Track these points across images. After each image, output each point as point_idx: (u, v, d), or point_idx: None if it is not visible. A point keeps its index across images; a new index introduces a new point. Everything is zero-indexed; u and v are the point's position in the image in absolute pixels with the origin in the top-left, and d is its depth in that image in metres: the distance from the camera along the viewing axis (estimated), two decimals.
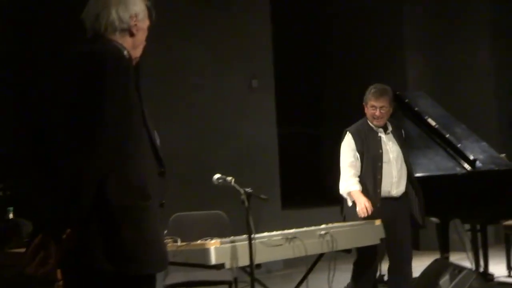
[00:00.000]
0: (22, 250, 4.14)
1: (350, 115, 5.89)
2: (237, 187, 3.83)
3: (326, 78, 11.13)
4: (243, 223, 3.78)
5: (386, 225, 5.22)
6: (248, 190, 3.75)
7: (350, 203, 5.38)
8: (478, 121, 9.48)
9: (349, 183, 5.35)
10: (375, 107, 5.39)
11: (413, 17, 10.75)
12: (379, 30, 9.76)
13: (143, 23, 2.97)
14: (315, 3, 11.08)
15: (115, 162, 2.57)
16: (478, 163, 6.20)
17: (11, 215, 4.53)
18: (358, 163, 5.38)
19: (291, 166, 9.65)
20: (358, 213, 5.23)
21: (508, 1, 10.68)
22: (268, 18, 9.26)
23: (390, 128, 5.52)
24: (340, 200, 5.52)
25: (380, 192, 5.33)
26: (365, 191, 5.30)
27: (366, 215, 5.19)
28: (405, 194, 5.46)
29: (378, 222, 5.16)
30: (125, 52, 2.85)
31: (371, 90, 5.44)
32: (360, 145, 5.38)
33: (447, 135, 6.48)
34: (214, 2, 8.52)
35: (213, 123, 8.49)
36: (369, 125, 5.47)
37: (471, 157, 6.16)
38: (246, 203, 3.72)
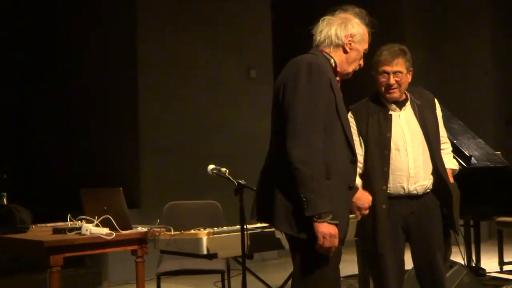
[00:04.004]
0: (15, 236, 4.19)
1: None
2: (231, 178, 3.83)
3: None
4: (236, 213, 3.79)
5: (401, 234, 4.01)
6: (242, 181, 3.76)
7: None
8: (475, 117, 9.50)
9: None
10: (387, 73, 4.04)
11: (412, 14, 10.76)
12: (378, 26, 9.76)
13: (359, 45, 3.52)
14: None
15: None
16: (473, 160, 6.20)
17: (4, 201, 4.53)
18: (362, 150, 4.04)
19: None
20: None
21: None
22: (268, 7, 9.25)
23: (409, 102, 4.11)
24: None
25: (386, 189, 3.97)
26: (369, 188, 3.96)
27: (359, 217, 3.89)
28: (432, 192, 4.04)
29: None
30: (331, 61, 3.47)
31: (382, 52, 4.08)
32: (363, 125, 4.07)
33: None
34: None
35: (209, 113, 8.49)
36: (379, 99, 4.12)
37: (467, 153, 6.16)
38: (240, 195, 3.73)
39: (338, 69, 3.49)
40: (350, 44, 3.49)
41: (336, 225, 3.19)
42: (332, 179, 3.25)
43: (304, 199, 3.15)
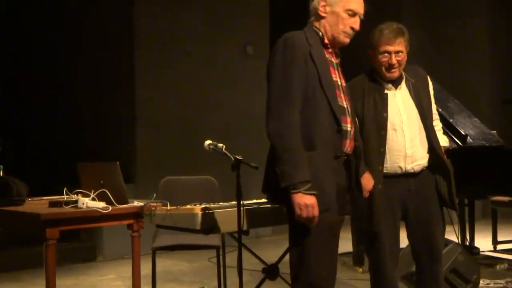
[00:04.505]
0: (11, 208, 4.19)
1: None
2: (228, 154, 3.82)
3: None
4: (232, 189, 3.79)
5: (398, 213, 4.00)
6: (239, 157, 3.75)
7: None
8: (471, 97, 9.51)
9: None
10: (389, 53, 3.97)
11: None
12: (376, 5, 9.74)
13: (336, 6, 3.43)
14: None
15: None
16: (469, 139, 6.22)
17: (0, 173, 4.52)
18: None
19: None
20: None
21: None
22: None
23: (404, 81, 4.07)
24: None
25: (382, 169, 3.93)
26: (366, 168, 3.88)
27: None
28: (428, 169, 4.03)
29: None
30: (319, 34, 3.45)
31: (382, 31, 3.99)
32: (359, 105, 3.95)
33: (440, 109, 6.47)
34: None
35: (206, 90, 8.48)
36: (374, 78, 4.06)
37: (463, 132, 6.17)
38: (236, 170, 3.72)
39: (326, 40, 3.46)
40: (324, 8, 3.45)
41: (315, 195, 3.22)
42: (317, 149, 3.29)
43: (279, 171, 3.22)
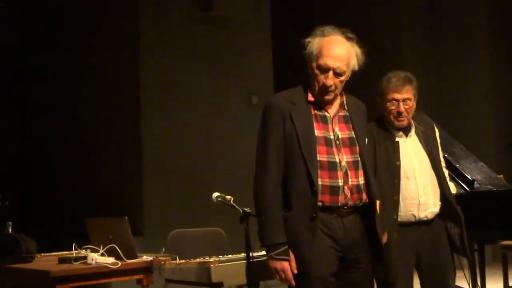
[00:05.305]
0: (21, 266, 4.19)
1: None
2: (236, 206, 3.84)
3: None
4: (241, 240, 3.79)
5: (412, 260, 3.97)
6: (247, 209, 3.76)
7: None
8: (476, 141, 9.51)
9: None
10: (397, 100, 3.99)
11: (413, 40, 10.83)
12: (380, 51, 9.82)
13: (310, 62, 3.42)
14: (315, 21, 11.14)
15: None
16: (476, 184, 6.20)
17: (10, 230, 4.53)
18: None
19: None
20: None
21: (506, 23, 10.75)
22: (269, 34, 9.30)
23: (414, 129, 4.11)
24: None
25: (397, 218, 3.91)
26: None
27: None
28: (439, 217, 4.04)
29: None
30: (308, 90, 3.45)
31: (390, 79, 4.04)
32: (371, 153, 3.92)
33: (446, 155, 6.46)
34: (213, 19, 8.55)
35: (212, 140, 8.51)
36: (384, 126, 4.08)
37: (469, 178, 6.16)
38: (245, 224, 3.72)
39: (310, 97, 3.43)
40: (308, 64, 3.44)
41: (286, 260, 3.26)
42: (293, 210, 3.30)
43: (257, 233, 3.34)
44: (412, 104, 4.03)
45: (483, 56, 10.77)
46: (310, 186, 3.29)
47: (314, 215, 3.29)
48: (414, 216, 3.96)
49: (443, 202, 4.03)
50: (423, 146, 4.06)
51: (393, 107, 4.01)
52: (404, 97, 4.01)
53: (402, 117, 4.01)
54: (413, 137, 4.09)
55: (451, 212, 4.05)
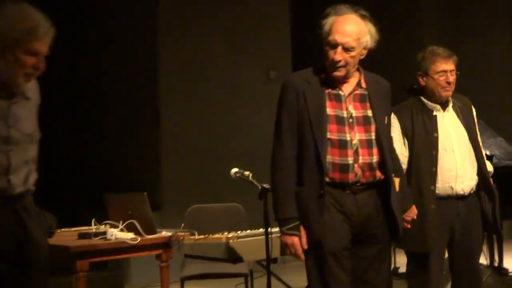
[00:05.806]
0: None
1: None
2: (255, 182, 3.85)
3: None
4: (259, 215, 3.81)
5: (446, 235, 4.02)
6: (266, 185, 3.76)
7: None
8: (495, 115, 9.44)
9: None
10: (445, 71, 4.05)
11: (432, 14, 10.73)
12: (399, 29, 9.75)
13: (324, 41, 3.43)
14: None
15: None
16: (494, 159, 6.17)
17: None
18: (406, 151, 4.04)
19: None
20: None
21: None
22: (287, 8, 9.24)
23: (451, 104, 4.14)
24: None
25: (434, 189, 3.95)
26: (415, 188, 3.96)
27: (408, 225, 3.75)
28: (476, 192, 4.09)
29: None
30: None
31: (435, 51, 4.09)
32: (408, 126, 4.04)
33: None
34: None
35: (230, 115, 8.50)
36: (422, 101, 4.11)
37: (488, 153, 6.13)
38: (264, 199, 3.73)
39: (323, 75, 3.44)
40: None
41: (296, 235, 3.33)
42: (304, 185, 3.38)
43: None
44: (456, 76, 4.09)
45: (503, 28, 10.66)
46: (318, 164, 3.34)
47: (322, 192, 3.34)
48: (452, 188, 3.99)
49: (479, 177, 4.07)
50: (461, 121, 4.11)
51: (442, 78, 4.04)
52: (451, 68, 4.07)
53: (450, 87, 4.07)
54: (450, 112, 4.13)
55: (486, 187, 4.10)
